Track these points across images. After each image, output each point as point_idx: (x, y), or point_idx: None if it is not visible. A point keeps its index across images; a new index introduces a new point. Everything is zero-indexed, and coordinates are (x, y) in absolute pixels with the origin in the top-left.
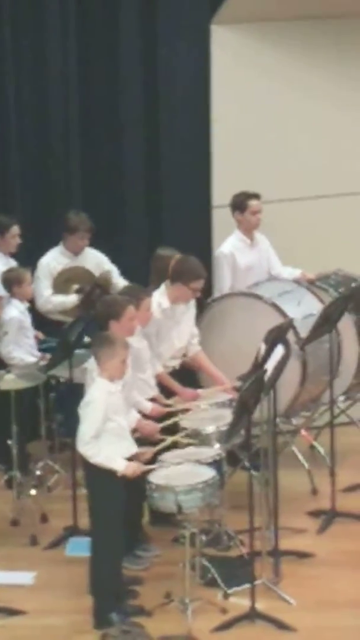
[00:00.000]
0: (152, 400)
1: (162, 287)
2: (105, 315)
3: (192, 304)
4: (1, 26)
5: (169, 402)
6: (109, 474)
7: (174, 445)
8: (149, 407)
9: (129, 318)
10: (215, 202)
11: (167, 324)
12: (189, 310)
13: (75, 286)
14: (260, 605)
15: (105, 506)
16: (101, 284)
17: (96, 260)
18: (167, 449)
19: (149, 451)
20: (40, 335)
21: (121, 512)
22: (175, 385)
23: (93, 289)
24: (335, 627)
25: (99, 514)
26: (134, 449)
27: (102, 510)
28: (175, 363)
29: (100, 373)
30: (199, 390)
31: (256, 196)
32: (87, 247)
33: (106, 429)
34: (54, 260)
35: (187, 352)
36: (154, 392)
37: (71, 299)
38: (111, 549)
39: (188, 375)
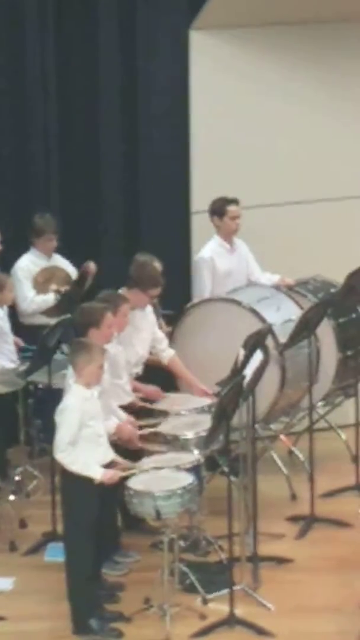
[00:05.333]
0: (129, 406)
1: (120, 292)
2: (85, 323)
3: (149, 309)
4: None
5: (145, 405)
6: (85, 480)
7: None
8: (122, 417)
9: (107, 325)
10: (194, 208)
11: (126, 330)
12: (147, 316)
13: (54, 287)
14: (239, 611)
15: (79, 512)
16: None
17: (64, 265)
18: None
19: (125, 463)
20: (20, 343)
21: (95, 518)
22: (136, 384)
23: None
24: (314, 632)
25: (72, 520)
26: (110, 455)
27: (76, 516)
28: (138, 369)
29: (77, 379)
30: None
31: (235, 201)
32: (54, 253)
33: (82, 435)
34: (31, 263)
35: (162, 358)
36: (130, 398)
37: (51, 299)
38: (85, 554)
39: (166, 379)
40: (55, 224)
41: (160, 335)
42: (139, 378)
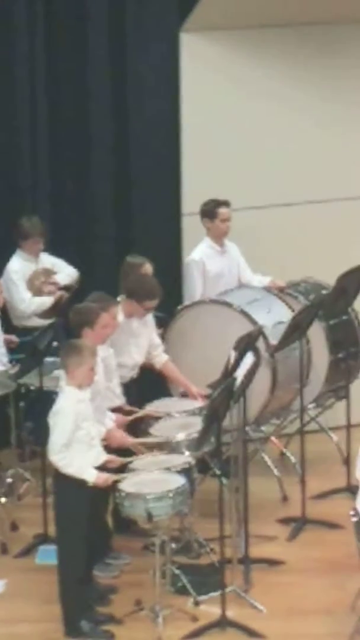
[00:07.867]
0: (118, 409)
1: (118, 299)
2: (80, 323)
3: (149, 316)
4: None
5: (133, 409)
6: (77, 482)
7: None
8: (111, 419)
9: (102, 325)
10: (185, 210)
11: (121, 337)
12: (146, 322)
13: (41, 286)
14: (230, 613)
15: (71, 515)
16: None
17: (50, 263)
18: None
19: (118, 460)
20: (14, 339)
21: (87, 520)
22: None
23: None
24: (305, 634)
25: (64, 522)
26: (103, 457)
27: (67, 518)
28: (134, 373)
29: (69, 381)
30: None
31: (226, 204)
32: (42, 253)
33: (75, 437)
34: (23, 266)
35: (155, 363)
36: (120, 400)
37: (49, 300)
38: (76, 557)
39: (158, 383)
40: (42, 227)
41: (157, 341)
42: (134, 381)
